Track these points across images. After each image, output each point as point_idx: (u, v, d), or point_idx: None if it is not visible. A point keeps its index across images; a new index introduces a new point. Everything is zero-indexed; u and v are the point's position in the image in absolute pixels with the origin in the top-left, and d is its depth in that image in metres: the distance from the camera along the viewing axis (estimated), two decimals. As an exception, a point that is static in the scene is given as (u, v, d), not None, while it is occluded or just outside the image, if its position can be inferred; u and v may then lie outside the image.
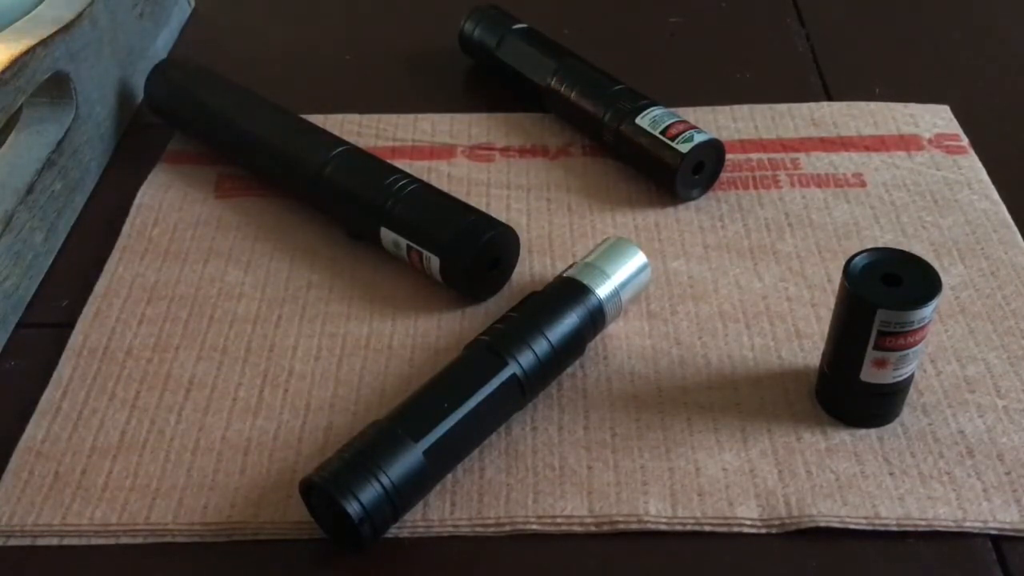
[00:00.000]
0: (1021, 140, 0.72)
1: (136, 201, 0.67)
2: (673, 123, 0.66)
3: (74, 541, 0.49)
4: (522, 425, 0.53)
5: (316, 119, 0.70)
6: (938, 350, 0.56)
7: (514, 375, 0.51)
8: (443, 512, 0.49)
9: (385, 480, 0.46)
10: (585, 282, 0.55)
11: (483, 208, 0.62)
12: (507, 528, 0.49)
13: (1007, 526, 0.48)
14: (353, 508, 0.45)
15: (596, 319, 0.55)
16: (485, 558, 0.48)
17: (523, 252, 0.62)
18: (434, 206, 0.61)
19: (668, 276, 0.61)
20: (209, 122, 0.69)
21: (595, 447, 0.52)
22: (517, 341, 0.52)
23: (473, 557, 0.48)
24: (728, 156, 0.67)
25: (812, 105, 0.74)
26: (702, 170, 0.66)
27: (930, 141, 0.71)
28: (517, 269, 0.61)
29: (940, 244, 0.63)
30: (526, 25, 0.76)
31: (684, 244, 0.63)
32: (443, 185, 0.66)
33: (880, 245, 0.58)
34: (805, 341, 0.57)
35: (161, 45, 0.81)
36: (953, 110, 0.73)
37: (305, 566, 0.48)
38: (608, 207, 0.66)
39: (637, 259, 0.57)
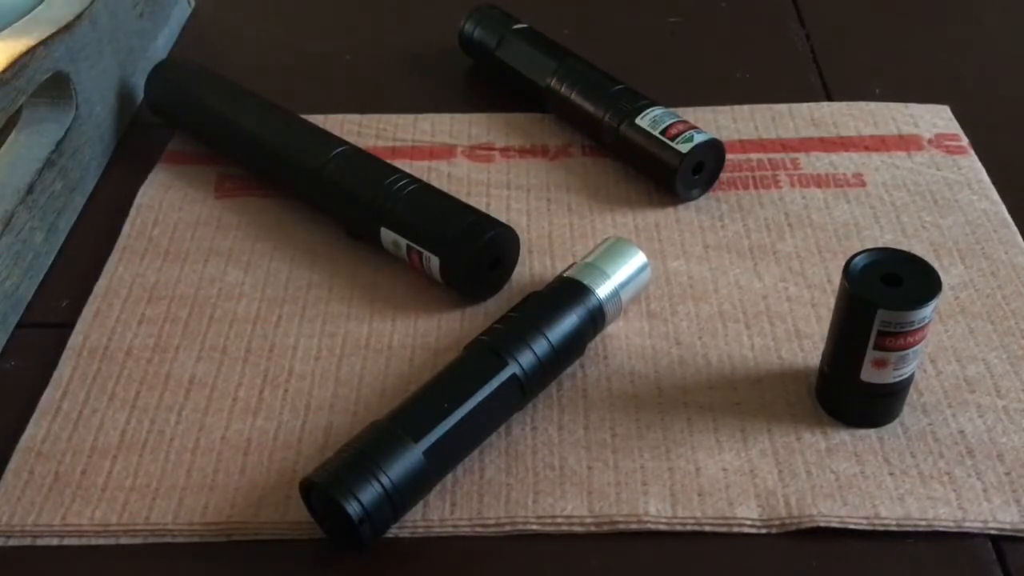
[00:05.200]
0: (1021, 140, 0.72)
1: (136, 201, 0.67)
2: (673, 123, 0.66)
3: (74, 541, 0.49)
4: (522, 425, 0.53)
5: (316, 119, 0.70)
6: (938, 350, 0.56)
7: (514, 375, 0.51)
8: (443, 512, 0.49)
9: (385, 480, 0.46)
10: (585, 282, 0.55)
11: (483, 208, 0.62)
12: (507, 528, 0.49)
13: (1007, 526, 0.48)
14: (353, 508, 0.45)
15: (596, 319, 0.55)
16: (485, 558, 0.48)
17: (523, 252, 0.62)
18: (434, 206, 0.61)
19: (668, 276, 0.61)
20: (209, 122, 0.69)
21: (595, 447, 0.52)
22: (517, 341, 0.52)
23: (473, 557, 0.48)
24: (728, 156, 0.67)
25: (812, 105, 0.74)
26: (702, 170, 0.66)
27: (930, 141, 0.71)
28: (517, 269, 0.61)
29: (940, 244, 0.63)
30: (526, 25, 0.76)
31: (684, 244, 0.63)
32: (443, 185, 0.66)
33: (880, 245, 0.58)
34: (805, 341, 0.57)
35: (161, 45, 0.81)
36: (953, 110, 0.73)
37: (305, 566, 0.48)
38: (608, 207, 0.66)
39: (637, 259, 0.57)
